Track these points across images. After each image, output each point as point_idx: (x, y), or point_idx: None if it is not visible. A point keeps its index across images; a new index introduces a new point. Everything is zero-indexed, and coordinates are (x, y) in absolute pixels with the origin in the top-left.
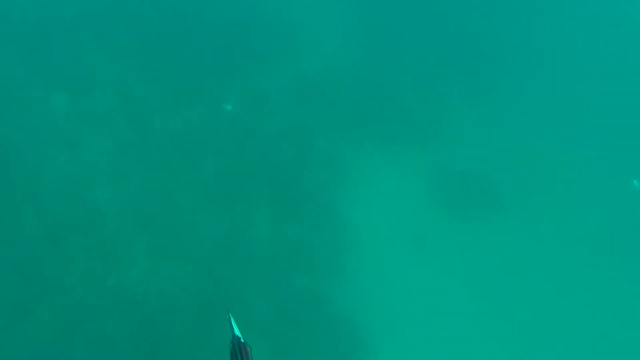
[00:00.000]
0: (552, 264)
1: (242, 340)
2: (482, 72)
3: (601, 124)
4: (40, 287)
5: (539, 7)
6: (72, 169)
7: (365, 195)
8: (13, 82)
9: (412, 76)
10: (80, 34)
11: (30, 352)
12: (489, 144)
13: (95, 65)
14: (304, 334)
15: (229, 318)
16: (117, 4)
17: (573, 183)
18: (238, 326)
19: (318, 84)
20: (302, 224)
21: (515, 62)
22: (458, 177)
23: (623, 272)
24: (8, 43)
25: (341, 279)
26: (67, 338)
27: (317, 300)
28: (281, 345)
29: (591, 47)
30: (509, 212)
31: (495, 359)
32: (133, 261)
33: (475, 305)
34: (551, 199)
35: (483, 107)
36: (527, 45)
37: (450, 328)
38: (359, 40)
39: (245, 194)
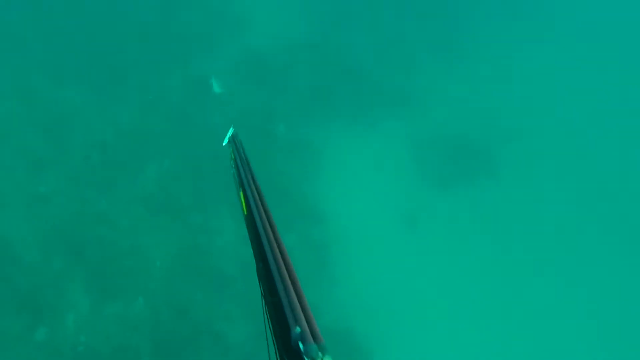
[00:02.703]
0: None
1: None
2: (445, 29)
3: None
4: None
5: None
6: None
7: (343, 181)
8: None
9: (373, 44)
10: None
11: None
12: (464, 103)
13: None
14: None
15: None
16: None
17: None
18: None
19: (271, 64)
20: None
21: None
22: (439, 142)
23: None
24: None
25: (331, 285)
26: None
27: None
28: None
29: None
30: (499, 173)
31: (497, 336)
32: (67, 304)
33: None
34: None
35: (452, 65)
36: None
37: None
38: (310, 14)
39: (199, 200)
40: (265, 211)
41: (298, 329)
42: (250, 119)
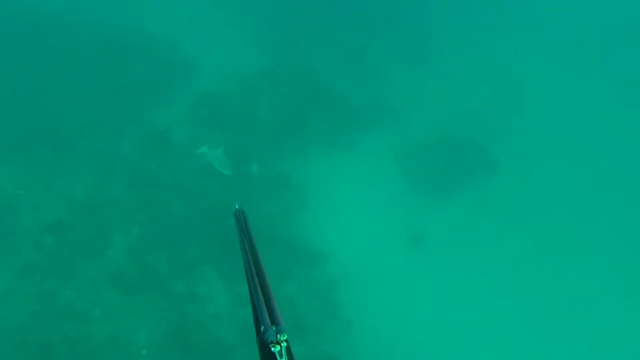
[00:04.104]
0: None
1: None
2: (409, 36)
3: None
4: None
5: None
6: None
7: (333, 212)
8: None
9: (336, 62)
10: None
11: None
12: (444, 105)
13: None
14: None
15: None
16: None
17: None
18: None
19: (232, 103)
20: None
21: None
22: (427, 150)
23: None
24: None
25: (346, 329)
26: None
27: None
28: None
29: None
30: (498, 169)
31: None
32: None
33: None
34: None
35: (423, 70)
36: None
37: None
38: (264, 42)
39: (179, 266)
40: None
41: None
42: (223, 162)
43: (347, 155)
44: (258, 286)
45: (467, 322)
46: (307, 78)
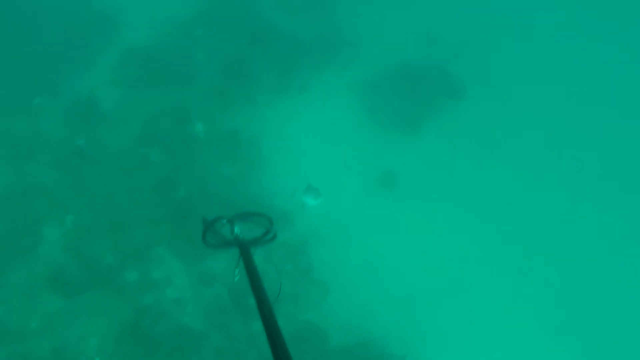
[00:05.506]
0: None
1: None
2: None
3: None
4: None
5: None
6: None
7: (294, 163)
8: None
9: None
10: None
11: None
12: (398, 30)
13: None
14: None
15: None
16: None
17: None
18: None
19: (164, 57)
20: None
21: None
22: (387, 82)
23: None
24: None
25: (323, 293)
26: None
27: None
28: None
29: None
30: (465, 91)
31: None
32: None
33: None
34: None
35: None
36: None
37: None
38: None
39: (128, 252)
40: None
41: None
42: (160, 127)
43: (302, 98)
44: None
45: (454, 264)
46: (247, 17)
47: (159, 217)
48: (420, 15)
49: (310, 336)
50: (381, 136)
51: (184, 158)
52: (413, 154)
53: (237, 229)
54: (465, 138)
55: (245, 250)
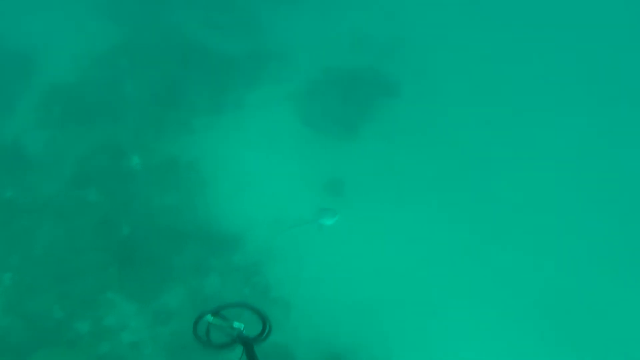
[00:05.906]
0: None
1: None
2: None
3: None
4: None
5: None
6: None
7: (237, 183)
8: None
9: (203, 12)
10: None
11: None
12: (324, 43)
13: None
14: None
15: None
16: None
17: None
18: None
19: (90, 88)
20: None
21: None
22: (323, 88)
23: None
24: None
25: (285, 310)
26: None
27: None
28: None
29: None
30: (400, 92)
31: None
32: None
33: None
34: None
35: (294, 8)
36: None
37: None
38: (111, 12)
39: (75, 300)
40: None
41: None
42: (94, 166)
43: (238, 116)
44: None
45: (412, 265)
46: (173, 40)
47: (104, 261)
48: (344, 18)
49: (278, 358)
50: (323, 144)
51: (123, 195)
52: (356, 158)
53: (236, 324)
54: (405, 135)
55: (249, 348)
